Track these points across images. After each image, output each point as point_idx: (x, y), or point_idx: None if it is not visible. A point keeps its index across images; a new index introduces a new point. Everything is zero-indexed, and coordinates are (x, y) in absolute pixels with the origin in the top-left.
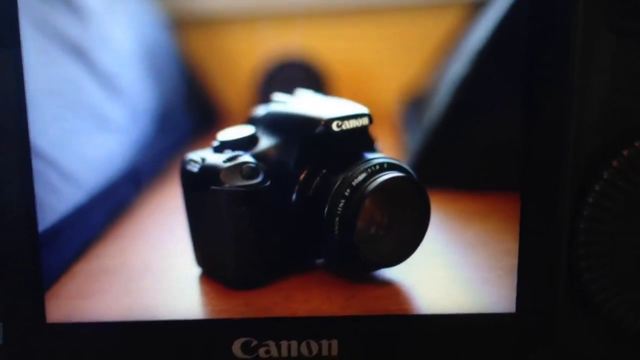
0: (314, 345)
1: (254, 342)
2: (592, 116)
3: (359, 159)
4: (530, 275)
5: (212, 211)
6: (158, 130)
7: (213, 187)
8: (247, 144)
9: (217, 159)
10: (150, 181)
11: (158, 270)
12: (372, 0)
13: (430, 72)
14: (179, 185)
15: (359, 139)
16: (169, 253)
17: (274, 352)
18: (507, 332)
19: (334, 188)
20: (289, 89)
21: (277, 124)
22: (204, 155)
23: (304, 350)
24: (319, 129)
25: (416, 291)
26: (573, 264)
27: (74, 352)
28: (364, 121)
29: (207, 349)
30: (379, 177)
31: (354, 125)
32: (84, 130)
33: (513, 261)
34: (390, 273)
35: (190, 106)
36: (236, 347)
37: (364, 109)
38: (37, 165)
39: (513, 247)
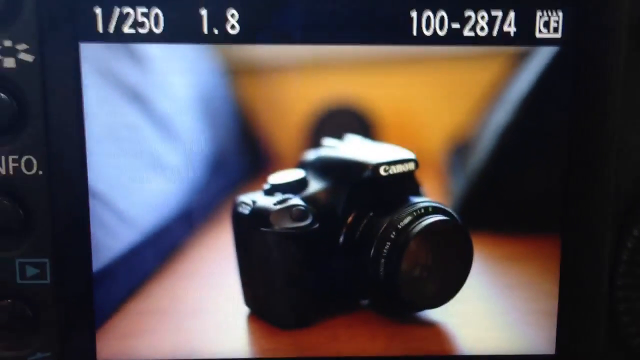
0: None
1: None
2: (631, 161)
3: (405, 202)
4: (570, 318)
5: (262, 252)
6: (211, 173)
7: (263, 228)
8: (296, 187)
9: (267, 202)
10: (202, 222)
11: (207, 310)
12: (420, 50)
13: (475, 120)
14: (230, 226)
15: (405, 184)
16: (219, 293)
17: None
18: None
19: (381, 230)
20: (338, 135)
21: (326, 168)
22: (255, 198)
23: None
24: (367, 173)
25: (458, 332)
26: (613, 306)
27: None
28: (410, 166)
29: None
30: (424, 220)
31: (401, 170)
32: (140, 173)
33: (553, 303)
34: (433, 314)
35: (243, 151)
36: None
37: (410, 154)
38: (94, 206)
39: (553, 289)
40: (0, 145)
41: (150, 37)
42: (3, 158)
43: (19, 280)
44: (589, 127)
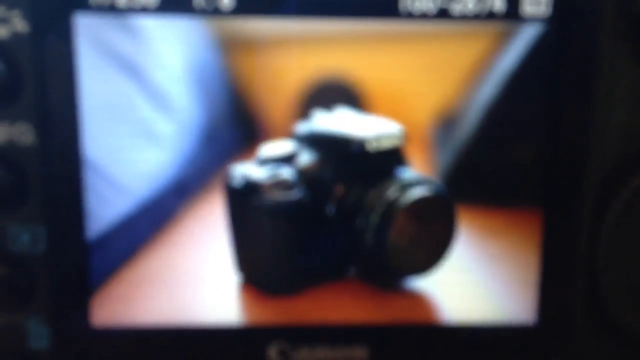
0: (345, 351)
1: (289, 347)
2: (612, 136)
3: (392, 175)
4: (551, 288)
5: (253, 222)
6: (204, 145)
7: (254, 199)
8: (287, 159)
9: (259, 173)
10: (195, 192)
11: (200, 277)
12: (409, 28)
13: (461, 94)
14: (222, 197)
15: (393, 157)
16: (211, 261)
17: (307, 356)
18: (528, 342)
19: (369, 202)
20: (328, 107)
21: (317, 140)
22: (247, 169)
23: (335, 355)
24: (355, 147)
25: (442, 302)
26: (593, 277)
27: (117, 356)
28: (398, 140)
29: (244, 353)
30: (411, 192)
31: (388, 144)
32: (134, 143)
33: (535, 274)
34: (419, 284)
35: (235, 122)
36: (271, 352)
37: (397, 128)
38: (88, 175)
39: (535, 260)
40: None
41: (144, 9)
42: None
43: (11, 248)
44: (572, 102)
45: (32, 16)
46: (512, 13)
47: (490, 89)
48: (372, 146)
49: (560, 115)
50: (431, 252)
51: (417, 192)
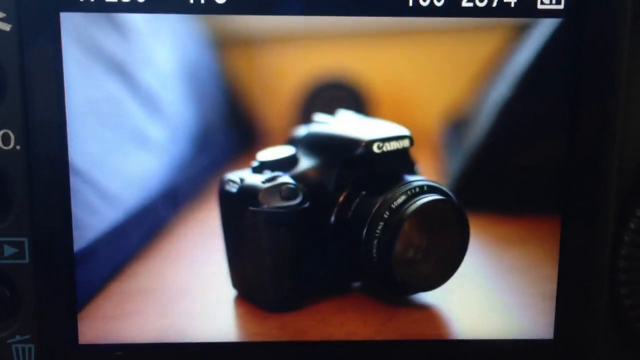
0: None
1: None
2: (635, 142)
3: (398, 181)
4: (569, 302)
5: (250, 232)
6: (197, 150)
7: (251, 207)
8: (286, 164)
9: (256, 180)
10: (188, 201)
11: (193, 291)
12: (416, 22)
13: (472, 95)
14: (217, 205)
15: (399, 161)
16: (205, 274)
17: None
18: (544, 358)
19: (373, 210)
20: (330, 110)
21: (318, 144)
22: (243, 176)
23: None
24: (360, 150)
25: (453, 316)
26: (613, 290)
27: None
28: (405, 143)
29: None
30: (419, 199)
31: (395, 147)
32: (123, 149)
33: (552, 287)
34: (427, 297)
35: (230, 126)
36: None
37: (404, 131)
38: (75, 183)
39: (552, 272)
40: None
41: (133, 6)
42: None
43: None
44: (592, 103)
45: (16, 16)
46: (526, 6)
47: (503, 88)
48: (378, 148)
49: (579, 115)
50: (441, 264)
51: (426, 199)
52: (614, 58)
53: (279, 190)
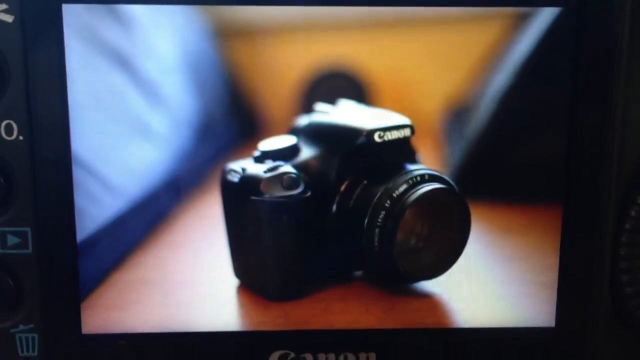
0: (351, 358)
1: (292, 355)
2: (636, 130)
3: (400, 170)
4: (570, 290)
5: (252, 222)
6: (199, 140)
7: (253, 197)
8: (288, 154)
9: (257, 169)
10: (190, 191)
11: (196, 281)
12: (415, 11)
13: (473, 84)
14: (219, 195)
15: (401, 150)
16: (208, 264)
17: None
18: (546, 346)
19: (375, 199)
20: (331, 99)
21: (319, 134)
22: (245, 165)
23: None
24: (361, 139)
25: (455, 304)
26: (614, 279)
27: None
28: (406, 132)
29: None
30: (420, 188)
31: (396, 137)
32: (125, 139)
33: (553, 275)
34: (429, 286)
35: (232, 116)
36: None
37: (405, 120)
38: (77, 174)
39: (553, 261)
40: None
41: None
42: None
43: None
44: (592, 92)
45: (19, 7)
46: None
47: (504, 77)
48: (379, 137)
49: (579, 104)
50: (442, 253)
51: (427, 188)
52: (614, 46)
53: (280, 179)
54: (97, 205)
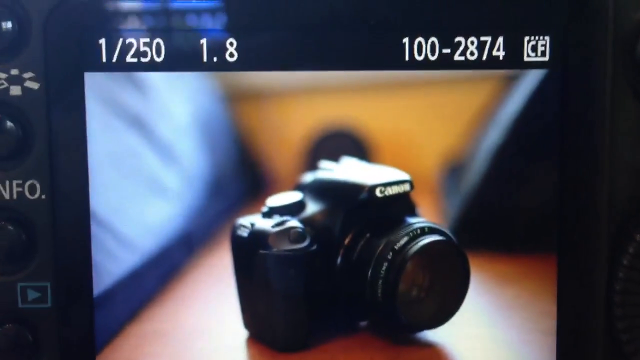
0: None
1: None
2: (623, 180)
3: (401, 223)
4: (569, 337)
5: (260, 274)
6: (210, 196)
7: (262, 251)
8: (294, 209)
9: (265, 224)
10: (202, 245)
11: (207, 332)
12: (412, 75)
13: (467, 141)
14: (229, 249)
15: (401, 205)
16: (218, 316)
17: None
18: None
19: (377, 251)
20: (334, 157)
21: (324, 190)
22: (254, 221)
23: None
24: (363, 195)
25: (458, 352)
26: (611, 326)
27: None
28: (406, 187)
29: None
30: (420, 240)
31: (396, 192)
32: (141, 197)
33: (552, 322)
34: (432, 335)
35: (241, 174)
36: None
37: (405, 176)
38: (95, 230)
39: (551, 309)
40: (5, 171)
41: (152, 66)
42: (7, 183)
43: (20, 305)
44: (579, 146)
45: (44, 76)
46: (514, 59)
47: (496, 134)
48: (380, 193)
49: (567, 159)
50: (444, 302)
51: (427, 240)
52: (597, 103)
53: (287, 234)
54: (113, 260)
